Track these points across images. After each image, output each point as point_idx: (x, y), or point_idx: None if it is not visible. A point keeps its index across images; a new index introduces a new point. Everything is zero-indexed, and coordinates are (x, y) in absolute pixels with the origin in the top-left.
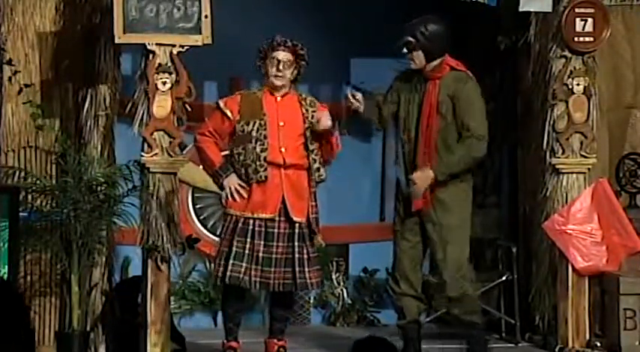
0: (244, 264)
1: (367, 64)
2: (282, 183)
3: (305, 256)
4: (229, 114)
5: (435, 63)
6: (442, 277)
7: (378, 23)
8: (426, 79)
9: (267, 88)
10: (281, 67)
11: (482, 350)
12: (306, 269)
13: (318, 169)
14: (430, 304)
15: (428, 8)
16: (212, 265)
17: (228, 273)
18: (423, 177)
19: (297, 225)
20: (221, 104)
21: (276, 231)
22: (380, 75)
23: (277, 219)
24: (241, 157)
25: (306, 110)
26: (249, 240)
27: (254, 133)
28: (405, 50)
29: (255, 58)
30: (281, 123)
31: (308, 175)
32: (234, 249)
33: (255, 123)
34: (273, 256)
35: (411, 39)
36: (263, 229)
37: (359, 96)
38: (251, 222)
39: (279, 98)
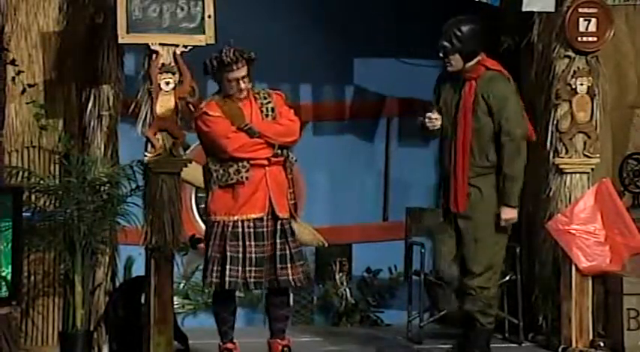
0: (240, 268)
1: (370, 64)
2: (267, 181)
3: (287, 252)
4: (221, 114)
5: (471, 63)
6: (470, 269)
7: (380, 23)
8: (463, 79)
9: (230, 96)
10: (242, 85)
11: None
12: (288, 265)
13: (288, 156)
14: (434, 304)
15: (430, 8)
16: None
17: (226, 279)
18: (511, 216)
19: (279, 222)
20: (209, 112)
21: (264, 229)
22: (382, 75)
23: (265, 217)
24: (223, 157)
25: (262, 104)
26: (240, 242)
27: None
28: (441, 54)
29: (206, 70)
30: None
31: (284, 168)
32: (228, 254)
33: (238, 126)
34: (265, 254)
35: (445, 44)
36: (252, 229)
37: (435, 115)
38: (240, 224)
39: (243, 101)
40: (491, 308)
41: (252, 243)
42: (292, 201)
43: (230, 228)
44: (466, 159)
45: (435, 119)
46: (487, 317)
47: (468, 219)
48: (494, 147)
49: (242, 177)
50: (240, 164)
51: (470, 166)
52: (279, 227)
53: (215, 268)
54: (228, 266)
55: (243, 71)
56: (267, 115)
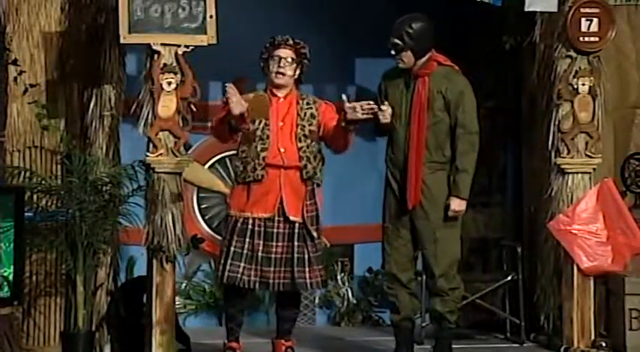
0: (242, 264)
1: (371, 64)
2: (280, 183)
3: (305, 256)
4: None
5: (423, 60)
6: (433, 271)
7: (381, 23)
8: (414, 76)
9: (270, 88)
10: (282, 64)
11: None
12: (306, 268)
13: (305, 166)
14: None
15: (432, 8)
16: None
17: (225, 273)
18: (460, 208)
19: (296, 224)
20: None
21: (275, 230)
22: None
23: (276, 218)
24: (243, 154)
25: (301, 109)
26: (247, 239)
27: (258, 132)
28: (392, 52)
29: (259, 59)
30: (280, 124)
31: (301, 174)
32: (232, 248)
33: (260, 122)
34: (273, 256)
35: (397, 41)
36: (262, 229)
37: (385, 106)
38: (250, 221)
39: (281, 99)
40: (457, 305)
41: (261, 242)
42: (309, 214)
43: (239, 224)
44: (420, 156)
45: (385, 111)
46: (455, 315)
47: (425, 219)
48: (450, 142)
49: (258, 175)
50: (256, 162)
51: (425, 162)
52: (296, 230)
53: (221, 262)
54: (229, 261)
55: (289, 53)
56: (302, 119)
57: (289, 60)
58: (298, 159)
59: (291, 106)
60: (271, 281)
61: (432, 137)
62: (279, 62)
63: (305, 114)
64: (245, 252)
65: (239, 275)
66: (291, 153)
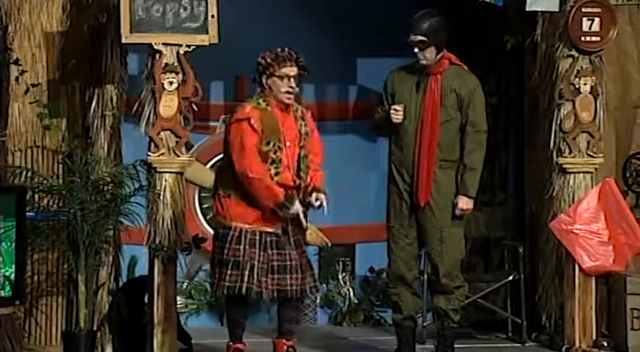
0: (262, 278)
1: (373, 64)
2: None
3: (306, 260)
4: (259, 130)
5: (437, 57)
6: (437, 270)
7: (384, 22)
8: (427, 74)
9: (274, 103)
10: (292, 84)
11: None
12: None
13: (304, 186)
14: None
15: (434, 8)
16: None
17: (243, 285)
18: (468, 207)
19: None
20: (252, 120)
21: (283, 238)
22: (386, 74)
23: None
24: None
25: (301, 126)
26: (261, 251)
27: (271, 154)
28: (416, 49)
29: (254, 71)
30: (288, 144)
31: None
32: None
33: (273, 144)
34: (288, 263)
35: (422, 38)
36: (273, 238)
37: (400, 107)
38: (258, 233)
39: (284, 114)
40: (461, 304)
41: (274, 252)
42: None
43: (250, 236)
44: (433, 154)
45: (400, 111)
46: (458, 314)
47: (432, 217)
48: (460, 141)
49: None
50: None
51: (436, 160)
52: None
53: (232, 273)
54: (246, 272)
55: (294, 71)
56: (304, 139)
57: (296, 77)
58: (299, 177)
59: (292, 123)
60: (289, 288)
61: (443, 135)
62: (289, 81)
63: (306, 132)
64: (255, 263)
65: (254, 287)
66: (297, 172)
